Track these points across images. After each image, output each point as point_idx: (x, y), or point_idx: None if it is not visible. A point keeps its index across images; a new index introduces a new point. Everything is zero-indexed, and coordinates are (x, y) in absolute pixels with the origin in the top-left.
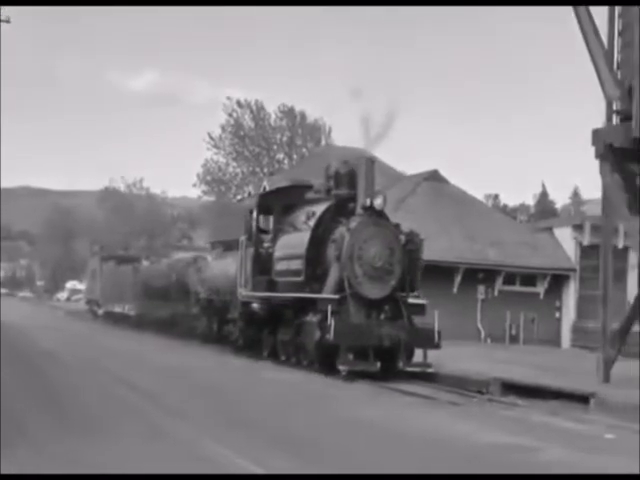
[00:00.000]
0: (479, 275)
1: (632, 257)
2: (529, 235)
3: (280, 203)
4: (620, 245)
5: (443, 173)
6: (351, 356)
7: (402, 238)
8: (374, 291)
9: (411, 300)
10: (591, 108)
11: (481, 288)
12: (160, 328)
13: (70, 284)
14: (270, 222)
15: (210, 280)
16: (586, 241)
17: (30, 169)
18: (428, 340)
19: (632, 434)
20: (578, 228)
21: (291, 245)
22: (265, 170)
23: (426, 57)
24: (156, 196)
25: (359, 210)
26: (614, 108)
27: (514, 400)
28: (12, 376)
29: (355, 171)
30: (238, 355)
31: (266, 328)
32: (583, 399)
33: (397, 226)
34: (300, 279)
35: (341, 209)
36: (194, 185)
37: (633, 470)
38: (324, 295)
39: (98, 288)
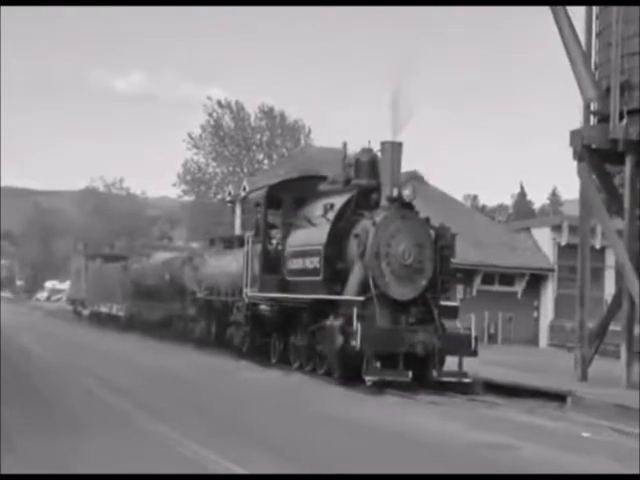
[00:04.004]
0: (458, 275)
1: (609, 257)
2: (508, 235)
3: (291, 196)
4: (598, 245)
5: (421, 173)
6: (378, 364)
7: (432, 233)
8: (403, 292)
9: (443, 302)
10: (569, 108)
11: (460, 288)
12: (152, 330)
13: (50, 284)
14: (279, 217)
15: (209, 279)
16: (564, 241)
17: (11, 169)
18: (464, 346)
19: (608, 432)
20: (556, 228)
21: (307, 241)
22: (245, 170)
23: (400, 55)
24: (136, 196)
25: (384, 202)
26: (592, 109)
27: (494, 399)
28: None
29: (377, 159)
30: (243, 361)
31: (275, 332)
32: (560, 398)
33: (427, 220)
34: (318, 278)
35: (363, 201)
36: (174, 185)
37: (610, 468)
38: (347, 296)
39: (83, 287)
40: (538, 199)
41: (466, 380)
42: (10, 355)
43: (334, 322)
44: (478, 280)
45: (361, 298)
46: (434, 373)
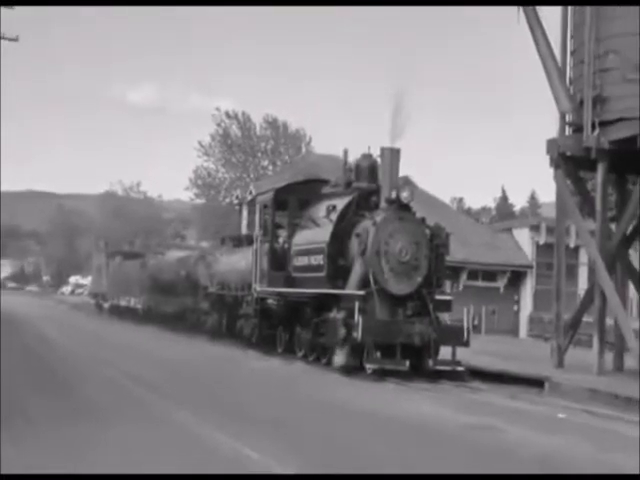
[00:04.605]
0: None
1: (583, 255)
2: (490, 235)
3: (296, 198)
4: (572, 244)
5: (411, 177)
6: (378, 354)
7: (428, 232)
8: (400, 287)
9: (437, 296)
10: (547, 119)
11: (447, 283)
12: (167, 322)
13: (73, 279)
14: (285, 217)
15: (220, 275)
16: (542, 241)
17: (36, 174)
18: (457, 338)
19: (581, 414)
20: (535, 229)
21: (312, 240)
22: (251, 176)
23: (389, 60)
24: (152, 199)
25: (383, 203)
26: (567, 120)
27: (478, 385)
28: (21, 372)
29: (376, 164)
30: (251, 351)
31: (282, 324)
32: (539, 383)
33: (423, 220)
34: (321, 274)
35: (363, 203)
36: (186, 189)
37: (582, 446)
38: (350, 291)
39: (104, 282)
40: (518, 202)
41: (459, 368)
42: (35, 345)
43: (337, 315)
44: (464, 276)
45: (362, 293)
46: (430, 362)
